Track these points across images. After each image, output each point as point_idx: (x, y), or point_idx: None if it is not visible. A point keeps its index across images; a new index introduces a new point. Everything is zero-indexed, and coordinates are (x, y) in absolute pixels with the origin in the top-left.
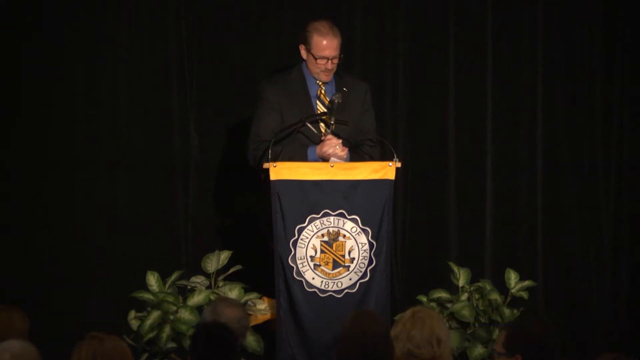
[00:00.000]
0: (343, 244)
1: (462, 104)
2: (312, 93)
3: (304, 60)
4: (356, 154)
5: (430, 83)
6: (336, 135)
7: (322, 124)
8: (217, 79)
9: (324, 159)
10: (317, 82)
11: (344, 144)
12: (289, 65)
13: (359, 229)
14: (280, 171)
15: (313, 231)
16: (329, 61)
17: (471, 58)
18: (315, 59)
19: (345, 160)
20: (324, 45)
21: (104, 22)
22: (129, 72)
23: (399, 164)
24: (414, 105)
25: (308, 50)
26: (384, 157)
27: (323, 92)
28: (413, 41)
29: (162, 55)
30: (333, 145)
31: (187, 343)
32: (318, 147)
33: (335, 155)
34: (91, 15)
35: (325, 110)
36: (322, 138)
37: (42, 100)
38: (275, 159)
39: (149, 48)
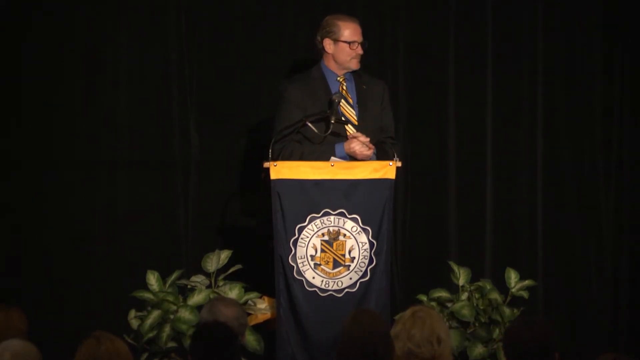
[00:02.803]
0: (343, 243)
1: (462, 104)
2: (334, 90)
3: (322, 59)
4: (381, 152)
5: (430, 83)
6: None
7: (349, 126)
8: (217, 78)
9: (352, 156)
10: (338, 79)
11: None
12: (288, 63)
13: (359, 228)
14: (281, 170)
15: (313, 230)
16: (359, 46)
17: (471, 58)
18: (349, 43)
19: (372, 158)
20: (353, 30)
21: (104, 22)
22: (129, 72)
23: (399, 164)
24: (414, 105)
25: (336, 40)
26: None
27: (344, 88)
28: (413, 41)
29: (162, 55)
30: (360, 143)
31: (187, 342)
32: (345, 144)
33: (362, 154)
34: (91, 15)
35: (347, 108)
36: (349, 136)
37: (42, 100)
38: (299, 159)
39: (149, 48)
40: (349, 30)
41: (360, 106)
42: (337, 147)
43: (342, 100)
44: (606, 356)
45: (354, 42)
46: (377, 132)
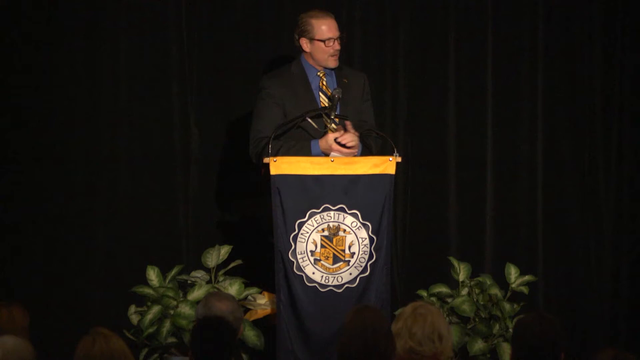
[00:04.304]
0: (343, 239)
1: (462, 99)
2: (314, 85)
3: (302, 54)
4: (364, 147)
5: (431, 79)
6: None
7: (325, 117)
8: (217, 74)
9: (327, 154)
10: (318, 73)
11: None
12: (289, 60)
13: (359, 224)
14: (281, 166)
15: (313, 226)
16: (335, 41)
17: (471, 54)
18: (324, 41)
19: (357, 154)
20: (327, 27)
21: (104, 17)
22: (129, 67)
23: (399, 159)
24: (414, 99)
25: (312, 39)
26: (384, 151)
27: (324, 83)
28: (414, 37)
29: (163, 50)
30: (349, 140)
31: (187, 338)
32: (321, 141)
33: (333, 154)
34: (91, 10)
35: (327, 103)
36: (331, 140)
37: (41, 95)
38: (277, 154)
39: (149, 43)
40: (323, 28)
41: (342, 100)
42: (313, 144)
43: (321, 94)
44: (607, 353)
45: (329, 39)
46: (358, 125)
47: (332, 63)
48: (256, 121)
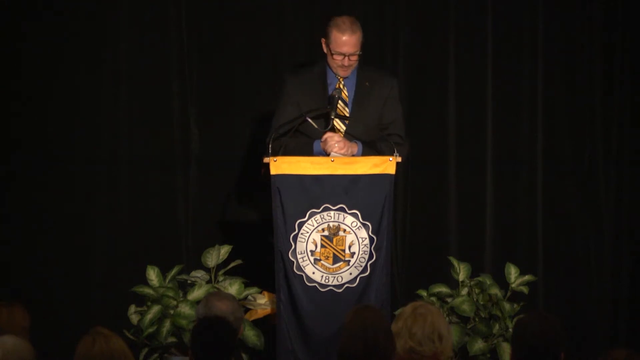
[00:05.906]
0: (343, 239)
1: (462, 99)
2: (332, 86)
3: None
4: (374, 150)
5: (431, 79)
6: (349, 132)
7: (337, 120)
8: (217, 73)
9: (327, 153)
10: (338, 75)
11: (352, 141)
12: (291, 60)
13: (359, 224)
14: (281, 166)
15: (313, 226)
16: (346, 57)
17: (471, 55)
18: (332, 54)
19: (356, 155)
20: (342, 42)
21: (104, 17)
22: (129, 67)
23: (399, 159)
24: (414, 100)
25: (327, 45)
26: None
27: (342, 85)
28: (414, 36)
29: (163, 49)
30: (332, 144)
31: (187, 337)
32: (321, 143)
33: (333, 153)
34: (91, 10)
35: (333, 104)
36: (323, 138)
37: (42, 95)
38: (283, 153)
39: (149, 43)
40: (339, 40)
41: (357, 103)
42: (315, 144)
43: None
44: (620, 353)
45: (338, 53)
46: (373, 129)
47: (341, 73)
48: (274, 119)
